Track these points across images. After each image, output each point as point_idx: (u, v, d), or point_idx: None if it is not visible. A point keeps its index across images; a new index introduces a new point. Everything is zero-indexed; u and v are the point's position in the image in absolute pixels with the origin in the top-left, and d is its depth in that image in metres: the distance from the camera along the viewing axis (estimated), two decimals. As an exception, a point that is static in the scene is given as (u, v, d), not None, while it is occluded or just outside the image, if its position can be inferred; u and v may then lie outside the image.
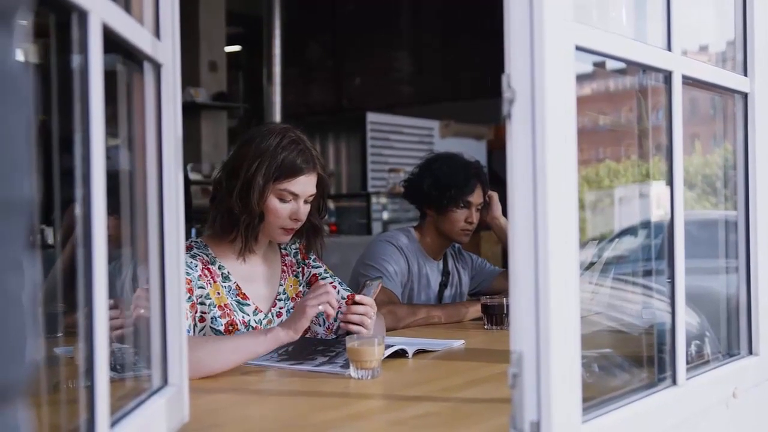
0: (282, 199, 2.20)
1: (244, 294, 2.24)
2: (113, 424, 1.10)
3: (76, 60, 1.04)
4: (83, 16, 1.02)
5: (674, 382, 1.53)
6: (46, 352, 1.40)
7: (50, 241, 2.45)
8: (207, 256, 2.22)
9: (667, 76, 1.54)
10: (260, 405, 1.72)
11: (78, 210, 1.04)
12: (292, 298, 2.36)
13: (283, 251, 2.41)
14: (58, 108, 1.10)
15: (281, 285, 2.35)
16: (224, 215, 2.21)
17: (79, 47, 1.03)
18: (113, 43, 1.14)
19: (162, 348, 1.38)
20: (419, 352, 2.19)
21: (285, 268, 2.38)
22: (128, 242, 1.41)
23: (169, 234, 1.39)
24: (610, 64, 1.58)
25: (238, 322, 2.19)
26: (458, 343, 2.37)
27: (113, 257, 1.14)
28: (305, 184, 2.22)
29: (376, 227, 7.48)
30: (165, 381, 1.39)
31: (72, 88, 1.04)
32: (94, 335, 1.02)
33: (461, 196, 3.01)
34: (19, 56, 0.61)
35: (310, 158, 2.23)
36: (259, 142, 2.19)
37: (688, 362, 1.57)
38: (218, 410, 1.66)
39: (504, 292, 2.99)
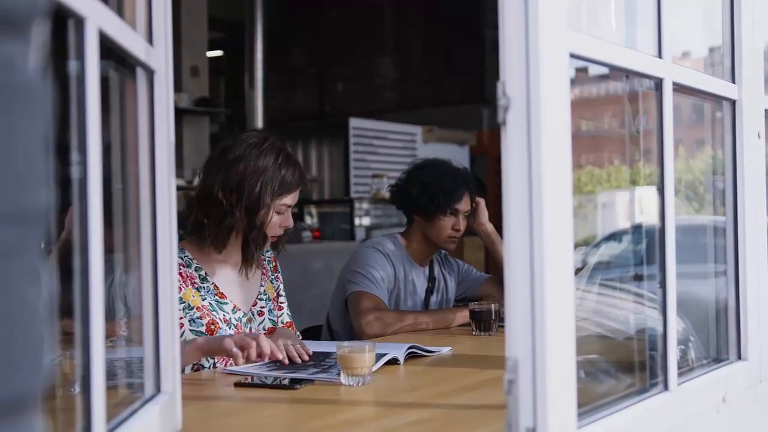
0: (278, 212, 2.30)
1: (222, 293, 2.30)
2: (109, 432, 1.09)
3: (72, 66, 1.03)
4: (80, 22, 1.01)
5: (666, 387, 1.54)
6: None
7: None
8: (182, 258, 2.26)
9: (658, 83, 1.55)
10: (252, 413, 1.71)
11: (73, 216, 1.03)
12: (273, 299, 2.44)
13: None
14: (54, 113, 1.09)
15: (262, 285, 2.43)
16: (226, 232, 2.26)
17: (75, 53, 1.02)
18: (107, 49, 1.13)
19: (155, 356, 1.37)
20: (411, 356, 2.20)
21: (264, 270, 2.47)
22: (120, 248, 1.40)
23: (162, 241, 1.38)
24: (593, 70, 1.59)
25: (219, 320, 2.25)
26: (446, 350, 2.37)
27: (104, 262, 1.13)
28: (297, 195, 2.35)
29: (360, 233, 7.47)
30: (158, 389, 1.38)
31: (68, 94, 1.03)
32: (91, 343, 1.01)
33: (449, 204, 3.01)
34: (36, 65, 0.61)
35: (303, 171, 2.36)
36: (255, 160, 2.25)
37: (678, 368, 1.58)
38: (210, 418, 1.65)
39: (491, 297, 2.99)
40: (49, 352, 0.60)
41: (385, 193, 7.29)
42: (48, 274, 0.60)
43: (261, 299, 2.41)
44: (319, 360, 2.15)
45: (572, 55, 1.27)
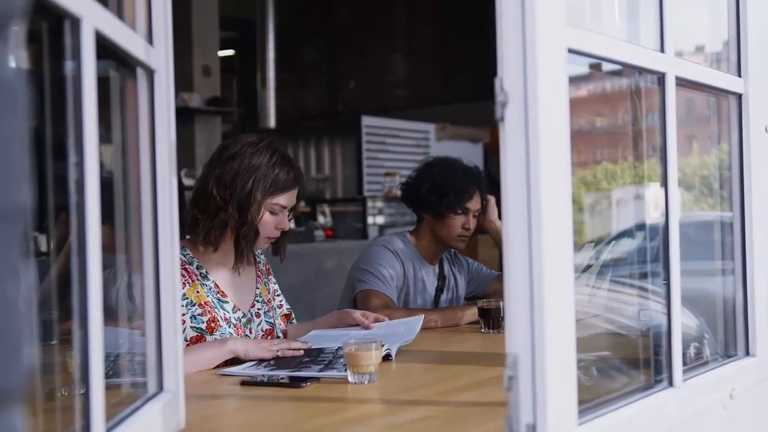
0: (272, 212, 2.33)
1: (223, 292, 2.34)
2: (109, 430, 1.09)
3: (68, 66, 1.03)
4: (76, 22, 1.01)
5: (671, 383, 1.53)
6: (42, 360, 1.40)
7: (43, 248, 2.46)
8: (184, 256, 2.31)
9: (661, 78, 1.54)
10: (256, 411, 1.72)
11: (72, 217, 1.03)
12: (266, 302, 2.48)
13: (255, 258, 2.51)
14: (51, 114, 1.10)
15: (257, 288, 2.47)
16: (218, 228, 2.29)
17: (71, 53, 1.02)
18: (106, 49, 1.14)
19: (157, 354, 1.38)
20: (411, 351, 2.23)
21: (259, 273, 2.51)
22: (123, 249, 1.41)
23: (163, 241, 1.39)
24: (606, 66, 1.59)
25: (219, 318, 2.28)
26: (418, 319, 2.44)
27: (108, 264, 1.14)
28: (292, 197, 2.37)
29: (372, 231, 7.47)
30: (161, 387, 1.38)
31: (65, 94, 1.04)
32: (89, 343, 1.02)
33: (459, 203, 3.00)
34: (14, 63, 0.62)
35: (299, 174, 2.38)
36: (250, 158, 2.29)
37: (686, 364, 1.57)
38: (214, 416, 1.66)
39: (501, 295, 2.99)
40: (28, 349, 0.60)
41: (398, 192, 7.29)
42: (28, 270, 0.61)
43: (257, 301, 2.44)
44: (316, 356, 2.14)
45: (571, 51, 1.26)
